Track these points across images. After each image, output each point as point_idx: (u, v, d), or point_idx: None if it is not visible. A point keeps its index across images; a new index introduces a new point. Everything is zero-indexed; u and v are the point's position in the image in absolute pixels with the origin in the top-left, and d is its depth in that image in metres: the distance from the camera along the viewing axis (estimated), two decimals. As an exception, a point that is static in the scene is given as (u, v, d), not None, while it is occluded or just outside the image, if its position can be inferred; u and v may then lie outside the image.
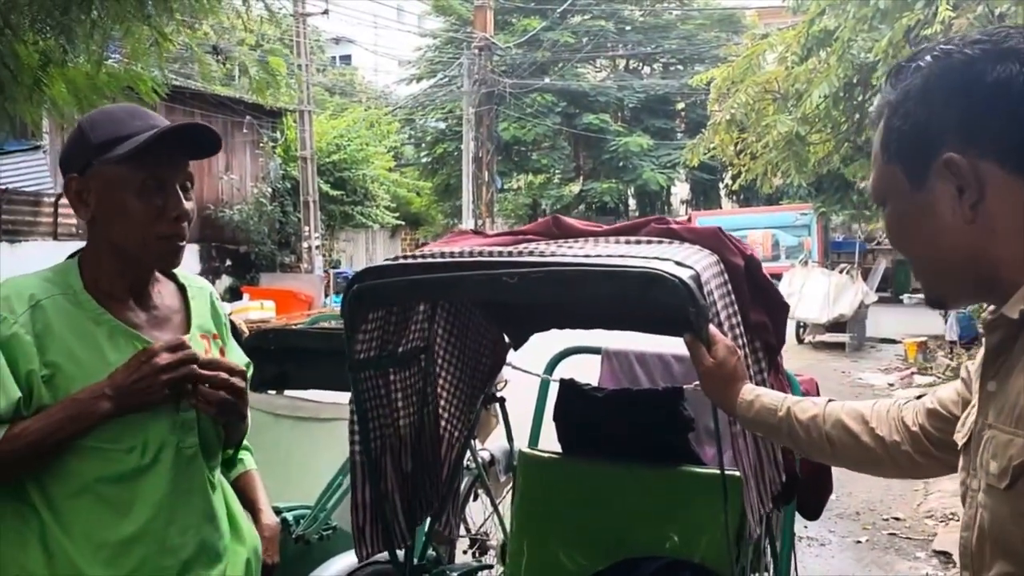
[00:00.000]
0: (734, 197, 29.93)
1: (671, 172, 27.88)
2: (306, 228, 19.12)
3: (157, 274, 1.80)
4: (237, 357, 1.94)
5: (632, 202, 32.48)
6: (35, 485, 1.61)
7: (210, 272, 18.50)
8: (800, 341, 14.93)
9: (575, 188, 30.29)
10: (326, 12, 19.04)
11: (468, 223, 22.16)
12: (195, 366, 1.66)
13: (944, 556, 5.15)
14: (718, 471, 2.18)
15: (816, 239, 22.69)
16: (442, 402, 2.71)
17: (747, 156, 14.06)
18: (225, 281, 18.68)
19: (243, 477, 2.16)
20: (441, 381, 2.71)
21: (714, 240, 2.29)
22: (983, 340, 1.24)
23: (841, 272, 15.00)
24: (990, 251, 1.15)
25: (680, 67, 29.51)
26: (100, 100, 10.82)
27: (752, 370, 2.29)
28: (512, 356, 4.07)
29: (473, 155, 22.45)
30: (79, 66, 9.74)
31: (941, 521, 5.86)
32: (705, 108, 17.30)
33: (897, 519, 6.01)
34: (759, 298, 2.33)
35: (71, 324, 1.63)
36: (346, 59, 40.41)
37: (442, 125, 29.27)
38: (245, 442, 2.20)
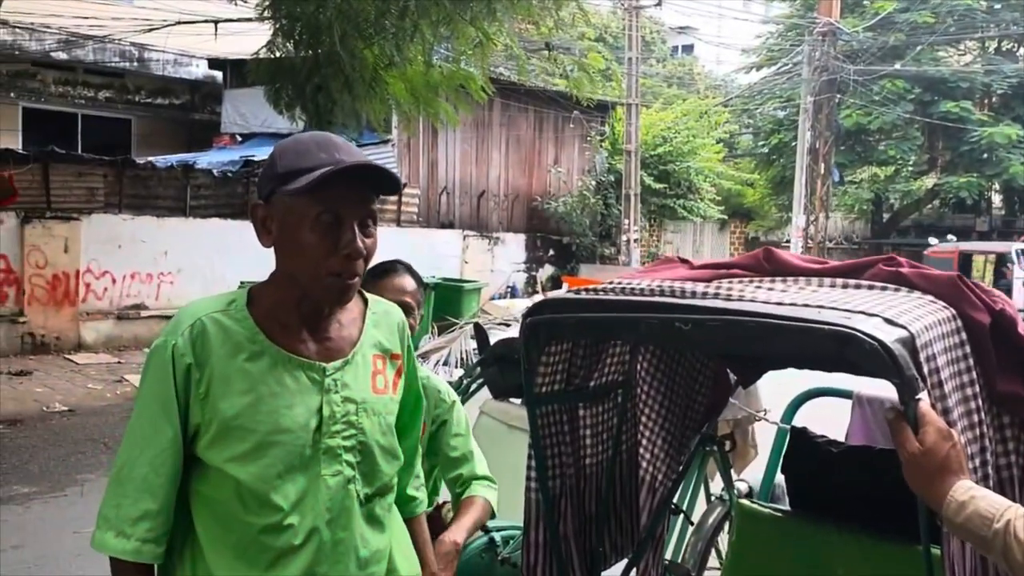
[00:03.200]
0: None
1: (1047, 166, 24.37)
2: (626, 221, 19.22)
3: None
4: (414, 385, 1.92)
5: (996, 199, 28.97)
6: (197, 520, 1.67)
7: (533, 261, 19.26)
8: None
9: (927, 182, 27.55)
10: (659, 4, 18.91)
11: (799, 218, 21.00)
12: None
13: None
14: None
15: None
16: (644, 442, 2.51)
17: None
18: (547, 270, 19.35)
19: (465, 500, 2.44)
20: (644, 419, 2.51)
21: (952, 290, 1.87)
22: None
23: None
24: None
25: (1067, 46, 25.69)
26: (434, 98, 11.64)
27: (996, 451, 1.86)
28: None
29: (809, 146, 21.18)
30: (415, 66, 10.57)
31: None
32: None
33: None
34: (1014, 365, 1.87)
35: (229, 347, 1.64)
36: (688, 49, 40.04)
37: (780, 114, 27.96)
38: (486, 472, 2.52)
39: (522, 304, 15.87)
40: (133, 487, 1.60)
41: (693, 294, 1.92)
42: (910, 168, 27.43)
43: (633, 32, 18.86)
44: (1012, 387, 1.87)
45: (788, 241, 22.29)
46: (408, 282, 2.59)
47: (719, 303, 1.85)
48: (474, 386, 4.28)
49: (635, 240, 19.16)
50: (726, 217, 25.93)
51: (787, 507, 2.71)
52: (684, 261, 2.35)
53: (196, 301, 1.73)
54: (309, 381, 1.66)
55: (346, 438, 1.68)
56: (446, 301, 12.18)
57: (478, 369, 4.21)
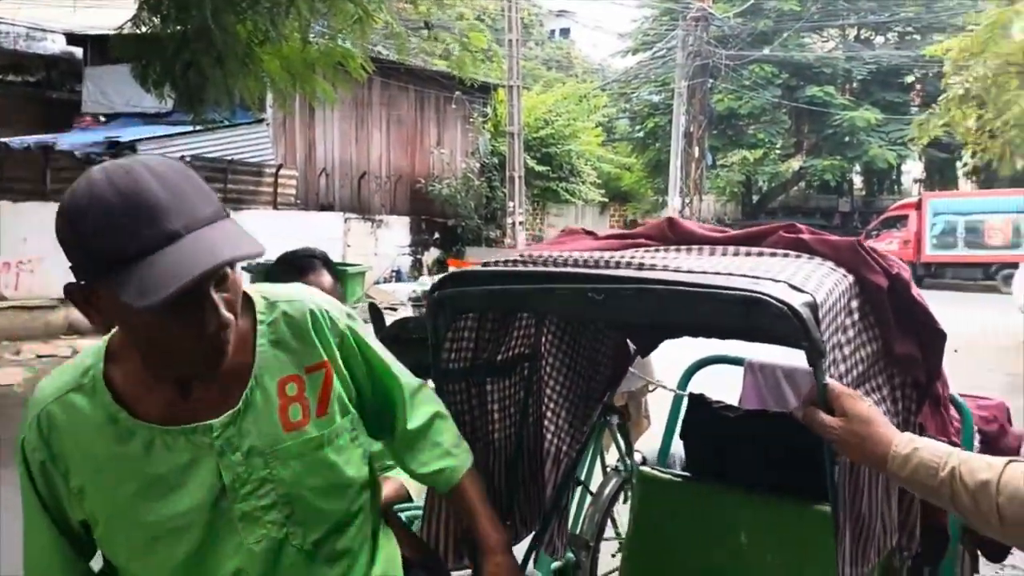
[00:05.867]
0: (973, 178, 27.33)
1: (902, 149, 25.82)
2: (511, 203, 19.30)
3: None
4: (376, 366, 1.65)
5: (857, 180, 30.54)
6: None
7: (419, 244, 19.13)
8: (1037, 342, 13.37)
9: (794, 165, 28.79)
10: (537, -14, 18.95)
11: (675, 200, 21.57)
12: None
13: None
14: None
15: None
16: (549, 414, 2.50)
17: (984, 134, 12.74)
18: (433, 253, 19.26)
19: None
20: (549, 391, 2.50)
21: (851, 255, 1.92)
22: None
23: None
24: None
25: (917, 36, 27.19)
26: (311, 76, 11.32)
27: (890, 410, 1.94)
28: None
29: (683, 130, 21.77)
30: (291, 43, 10.25)
31: None
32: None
33: None
34: (908, 326, 1.94)
35: (89, 433, 1.39)
36: (565, 32, 40.44)
37: (655, 98, 28.63)
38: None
39: (407, 288, 15.73)
40: None
41: (606, 263, 1.91)
42: (778, 151, 28.60)
43: (513, 13, 18.87)
44: (907, 348, 1.94)
45: (665, 222, 22.86)
46: (326, 279, 2.40)
47: (631, 272, 1.84)
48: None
49: (520, 223, 19.26)
50: (606, 200, 26.40)
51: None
52: (589, 233, 2.35)
53: (49, 378, 1.45)
54: (197, 447, 1.39)
55: (262, 496, 1.43)
56: (329, 285, 11.93)
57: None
